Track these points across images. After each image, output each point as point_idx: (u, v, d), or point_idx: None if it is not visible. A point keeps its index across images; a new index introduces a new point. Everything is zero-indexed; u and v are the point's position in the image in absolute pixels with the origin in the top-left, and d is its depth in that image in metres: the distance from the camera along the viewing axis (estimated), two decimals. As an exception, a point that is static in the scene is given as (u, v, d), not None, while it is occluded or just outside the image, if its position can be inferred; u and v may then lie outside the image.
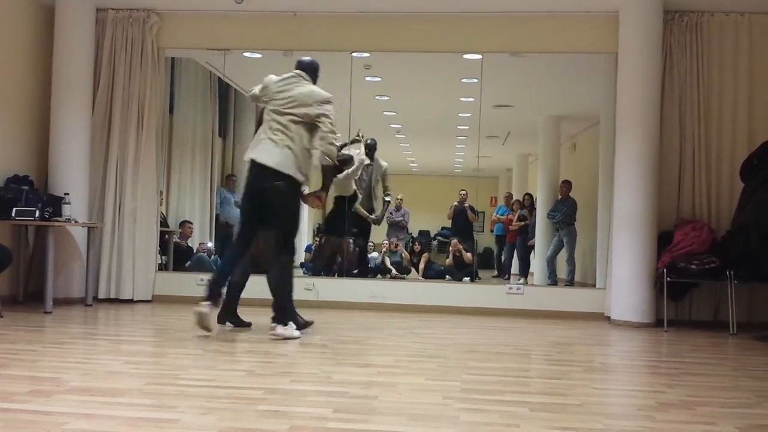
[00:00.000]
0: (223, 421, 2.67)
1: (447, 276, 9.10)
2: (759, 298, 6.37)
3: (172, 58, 7.78)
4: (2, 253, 5.59)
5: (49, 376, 3.39)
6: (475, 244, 10.02)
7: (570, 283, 8.78)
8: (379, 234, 9.73)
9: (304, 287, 6.76)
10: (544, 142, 10.28)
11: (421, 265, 9.52)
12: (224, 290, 4.88)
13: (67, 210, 6.19)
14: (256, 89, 4.97)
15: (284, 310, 4.75)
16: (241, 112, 9.64)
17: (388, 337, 5.21)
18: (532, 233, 9.80)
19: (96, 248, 6.71)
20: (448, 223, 10.35)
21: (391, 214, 9.78)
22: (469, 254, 9.42)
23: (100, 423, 2.59)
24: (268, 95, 4.86)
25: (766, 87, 6.53)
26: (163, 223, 7.85)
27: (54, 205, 6.19)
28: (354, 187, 8.30)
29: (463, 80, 8.34)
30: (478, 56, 7.24)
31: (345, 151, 8.05)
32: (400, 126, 11.26)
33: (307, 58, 5.04)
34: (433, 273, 9.42)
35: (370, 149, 8.44)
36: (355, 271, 8.39)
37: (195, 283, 6.50)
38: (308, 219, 10.70)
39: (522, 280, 9.32)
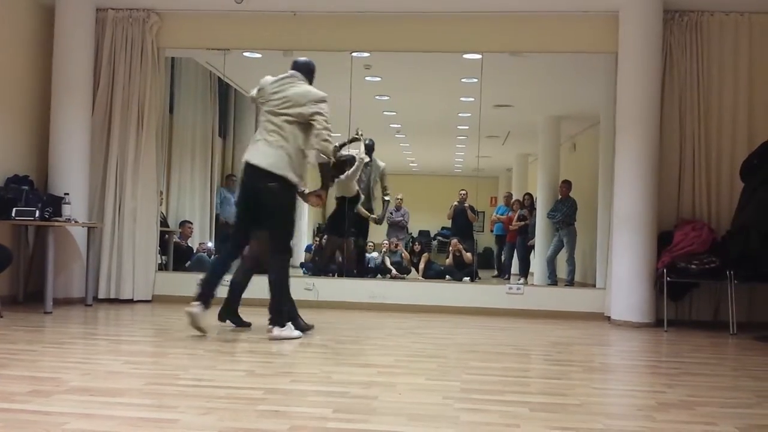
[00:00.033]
0: (223, 421, 2.67)
1: (447, 276, 9.10)
2: (759, 298, 6.36)
3: (172, 58, 7.78)
4: (2, 253, 5.59)
5: (49, 376, 3.39)
6: (475, 244, 10.01)
7: (570, 283, 8.78)
8: (379, 234, 9.73)
9: (304, 287, 6.76)
10: (544, 142, 10.28)
11: (421, 265, 9.52)
12: (216, 291, 4.81)
13: (67, 210, 6.19)
14: (254, 91, 4.98)
15: (280, 311, 4.74)
16: (241, 112, 9.64)
17: (388, 337, 5.21)
18: (532, 233, 9.80)
19: (96, 248, 6.71)
20: (448, 223, 10.35)
21: (391, 214, 9.78)
22: (469, 254, 9.42)
23: (100, 423, 2.59)
24: (264, 96, 4.85)
25: (766, 87, 6.53)
26: (163, 223, 7.85)
27: (54, 205, 6.19)
28: (357, 187, 8.30)
29: (463, 80, 8.34)
30: (478, 56, 7.24)
31: (345, 150, 8.07)
32: (400, 126, 11.26)
33: (302, 59, 5.02)
34: (433, 273, 9.42)
35: (368, 149, 8.45)
36: (354, 271, 8.39)
37: (195, 283, 6.39)
38: (308, 219, 10.71)
39: (522, 280, 9.32)
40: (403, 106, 10.31)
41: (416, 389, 3.39)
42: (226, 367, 3.79)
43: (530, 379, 3.90)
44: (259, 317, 5.14)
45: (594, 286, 7.15)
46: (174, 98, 8.50)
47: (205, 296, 4.72)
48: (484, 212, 11.17)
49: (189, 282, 6.75)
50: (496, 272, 10.85)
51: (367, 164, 8.41)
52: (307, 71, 4.95)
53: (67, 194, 6.28)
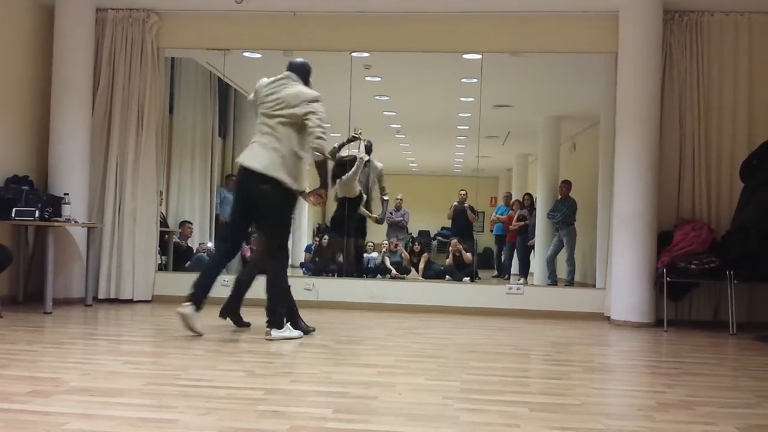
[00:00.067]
0: (223, 421, 2.67)
1: (447, 276, 9.10)
2: (759, 298, 6.37)
3: (172, 58, 7.78)
4: (2, 254, 5.59)
5: (49, 377, 3.39)
6: (475, 244, 10.02)
7: (570, 283, 8.78)
8: (378, 234, 9.73)
9: (304, 287, 6.76)
10: (543, 142, 10.28)
11: (421, 265, 9.52)
12: (209, 293, 4.77)
13: (66, 210, 6.19)
14: (251, 95, 4.98)
15: (276, 313, 4.73)
16: (241, 112, 9.64)
17: (388, 337, 5.21)
18: (531, 233, 9.80)
19: (96, 248, 6.71)
20: (448, 223, 10.35)
21: (391, 214, 9.78)
22: (468, 254, 9.42)
23: (99, 423, 2.59)
24: (259, 99, 4.85)
25: (766, 87, 6.53)
26: (163, 223, 7.85)
27: (54, 205, 6.19)
28: (359, 187, 8.30)
29: (463, 80, 8.34)
30: (478, 56, 7.24)
31: (344, 150, 8.08)
32: (399, 126, 11.26)
33: (299, 60, 4.99)
34: (432, 273, 9.43)
35: (367, 150, 8.46)
36: (354, 272, 8.39)
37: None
38: (308, 219, 10.71)
39: (522, 280, 9.32)
40: (403, 106, 10.31)
41: (416, 389, 3.39)
42: (225, 368, 3.79)
43: (530, 379, 3.90)
44: (260, 317, 5.14)
45: (594, 286, 7.15)
46: (174, 98, 8.50)
47: (198, 297, 4.70)
48: (483, 212, 11.17)
49: (189, 282, 6.72)
50: (495, 272, 10.85)
51: (365, 165, 8.41)
52: (302, 72, 4.91)
53: (67, 194, 6.28)
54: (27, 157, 6.66)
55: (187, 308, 4.66)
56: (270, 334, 4.70)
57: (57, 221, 6.09)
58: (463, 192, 9.93)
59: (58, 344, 4.44)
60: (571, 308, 6.73)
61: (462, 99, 8.94)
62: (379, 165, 8.70)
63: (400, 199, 9.96)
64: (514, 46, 6.95)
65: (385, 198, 8.91)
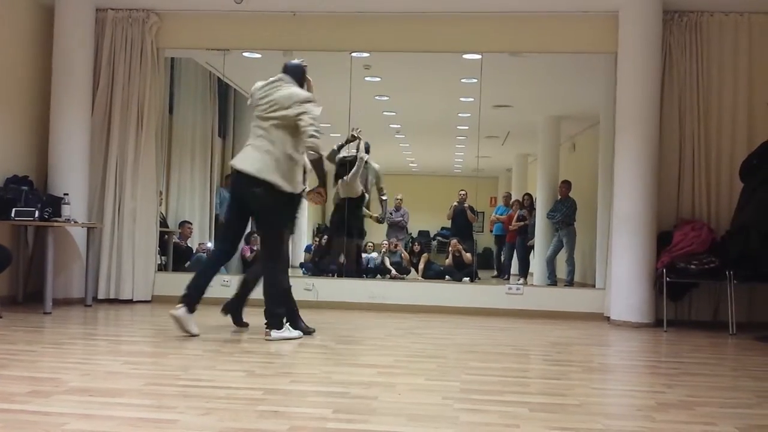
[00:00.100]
0: (222, 421, 2.67)
1: (446, 276, 9.10)
2: (759, 298, 6.37)
3: (172, 58, 7.78)
4: (2, 254, 5.59)
5: (49, 377, 3.39)
6: (475, 245, 10.02)
7: (569, 283, 8.78)
8: (378, 234, 9.73)
9: (304, 287, 6.76)
10: (543, 142, 10.28)
11: (421, 266, 9.52)
12: (203, 295, 4.76)
13: (66, 210, 6.19)
14: (249, 99, 4.98)
15: (274, 314, 4.73)
16: (240, 112, 9.64)
17: (388, 337, 5.21)
18: (531, 233, 9.80)
19: (95, 248, 6.71)
20: (448, 224, 10.35)
21: (391, 214, 9.79)
22: (468, 254, 9.42)
23: (99, 423, 2.59)
24: (253, 102, 4.85)
25: (765, 87, 6.53)
26: (163, 223, 7.85)
27: (53, 205, 6.19)
28: (361, 187, 8.30)
29: (462, 80, 8.34)
30: (478, 56, 7.24)
31: (344, 151, 8.08)
32: (399, 126, 11.25)
33: (294, 62, 4.96)
34: (432, 273, 9.43)
35: (366, 150, 8.45)
36: (353, 272, 8.39)
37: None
38: (308, 219, 10.71)
39: (521, 281, 9.32)
40: (402, 107, 10.31)
41: (416, 389, 3.39)
42: (225, 368, 3.79)
43: (530, 380, 3.90)
44: (259, 317, 5.13)
45: (593, 286, 7.15)
46: (174, 98, 8.49)
47: (190, 299, 4.70)
48: (483, 212, 11.17)
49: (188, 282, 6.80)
50: (495, 272, 10.85)
51: (364, 166, 8.41)
52: (297, 74, 4.89)
53: (67, 194, 6.28)
54: (27, 157, 6.66)
55: (180, 310, 4.66)
56: (269, 335, 4.70)
57: (57, 221, 6.09)
58: (463, 192, 9.93)
59: (57, 344, 4.44)
60: (570, 308, 6.73)
61: (462, 99, 8.94)
62: (376, 166, 8.70)
63: (400, 200, 9.96)
64: (514, 46, 6.95)
65: (384, 198, 8.93)
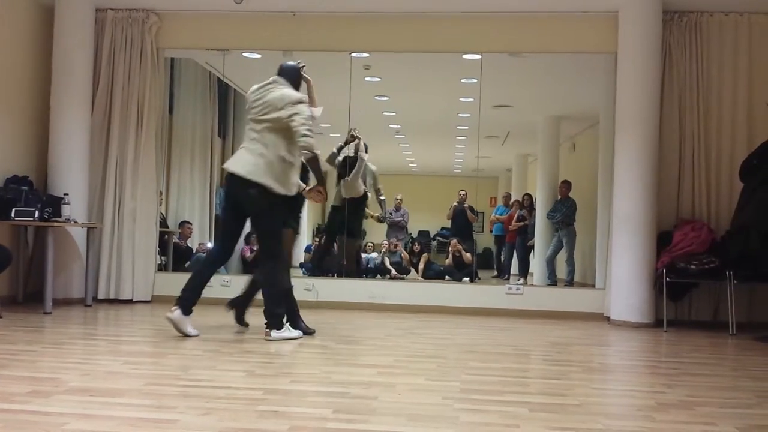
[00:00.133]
0: (222, 421, 2.67)
1: (446, 276, 9.10)
2: (759, 298, 6.37)
3: (172, 58, 7.77)
4: (2, 254, 5.59)
5: (49, 377, 3.39)
6: (475, 245, 10.02)
7: (569, 283, 8.78)
8: (378, 234, 9.73)
9: (304, 287, 6.76)
10: (543, 143, 10.28)
11: (421, 266, 9.52)
12: (199, 296, 4.77)
13: (66, 210, 6.19)
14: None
15: (274, 314, 4.73)
16: (240, 113, 9.63)
17: (388, 337, 5.21)
18: (531, 233, 9.80)
19: (95, 249, 6.71)
20: (448, 224, 10.35)
21: (391, 214, 9.79)
22: (468, 254, 9.42)
23: (99, 423, 2.59)
24: (248, 104, 4.85)
25: (765, 87, 6.53)
26: (163, 223, 7.84)
27: (53, 205, 6.19)
28: (363, 187, 8.30)
29: (462, 80, 8.34)
30: (478, 56, 7.24)
31: (344, 153, 8.07)
32: (399, 126, 11.25)
33: (289, 63, 4.95)
34: (432, 273, 9.43)
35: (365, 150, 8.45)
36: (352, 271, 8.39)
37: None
38: (308, 219, 10.71)
39: (521, 281, 9.32)
40: (402, 107, 10.31)
41: (416, 389, 3.39)
42: (225, 368, 3.79)
43: (530, 380, 3.90)
44: (260, 317, 5.13)
45: (593, 286, 7.15)
46: (173, 98, 8.49)
47: (187, 301, 4.71)
48: (483, 212, 11.17)
49: (188, 282, 6.80)
50: (495, 272, 10.85)
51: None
52: (292, 76, 4.87)
53: (67, 194, 6.28)
54: (27, 157, 6.66)
55: (175, 313, 4.67)
56: (269, 335, 4.70)
57: (56, 221, 6.09)
58: (463, 192, 9.93)
59: (57, 344, 4.44)
60: (570, 308, 6.73)
61: (462, 99, 8.94)
62: (373, 167, 8.70)
63: (400, 200, 9.96)
64: (513, 46, 6.95)
65: (382, 198, 8.94)
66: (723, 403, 3.32)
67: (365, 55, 7.59)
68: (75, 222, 6.32)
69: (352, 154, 8.10)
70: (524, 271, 9.87)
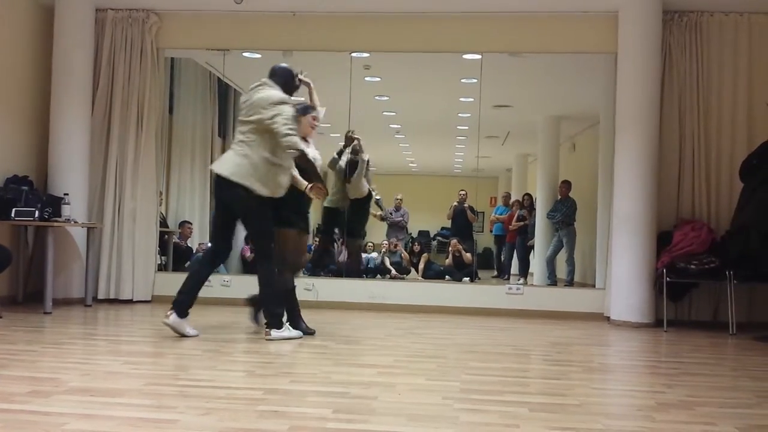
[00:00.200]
0: (222, 421, 2.67)
1: (446, 276, 9.10)
2: (758, 298, 6.37)
3: (172, 58, 7.78)
4: (2, 254, 5.59)
5: (49, 377, 3.39)
6: (475, 245, 10.02)
7: (569, 283, 8.78)
8: (378, 234, 9.73)
9: (304, 287, 6.75)
10: (543, 143, 10.28)
11: (421, 266, 9.52)
12: (194, 298, 4.76)
13: (66, 210, 6.19)
14: None
15: (273, 314, 4.73)
16: (240, 113, 9.63)
17: (388, 337, 5.21)
18: (531, 233, 9.80)
19: (95, 249, 6.71)
20: (448, 224, 10.35)
21: (391, 214, 9.79)
22: (468, 254, 9.42)
23: (99, 423, 2.59)
24: (240, 106, 4.84)
25: (765, 87, 6.53)
26: (163, 223, 7.84)
27: (53, 205, 6.19)
28: (367, 186, 8.31)
29: (462, 80, 8.34)
30: (478, 56, 7.24)
31: (345, 155, 8.07)
32: (399, 126, 11.25)
33: (282, 65, 4.93)
34: (432, 273, 9.43)
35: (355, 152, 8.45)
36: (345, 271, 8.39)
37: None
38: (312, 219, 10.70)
39: (521, 281, 9.32)
40: (402, 107, 10.31)
41: (416, 389, 3.39)
42: (225, 368, 3.79)
43: (530, 380, 3.90)
44: (261, 317, 5.14)
45: (593, 286, 7.15)
46: (173, 98, 8.49)
47: (183, 304, 4.70)
48: (483, 212, 11.18)
49: (188, 282, 6.79)
50: (495, 272, 10.85)
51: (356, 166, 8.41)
52: (283, 77, 4.84)
53: (67, 194, 6.28)
54: (27, 157, 6.66)
55: (171, 318, 4.67)
56: (269, 334, 4.70)
57: (57, 221, 6.09)
58: (463, 192, 9.93)
59: (57, 344, 4.44)
60: (570, 308, 6.73)
61: (462, 99, 8.95)
62: (372, 168, 8.70)
63: (400, 199, 9.96)
64: (513, 46, 6.95)
65: (378, 197, 8.96)
66: (723, 403, 3.32)
67: (365, 55, 7.59)
68: (75, 222, 6.32)
69: (350, 155, 8.10)
70: (524, 271, 9.87)
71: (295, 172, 4.84)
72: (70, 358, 3.93)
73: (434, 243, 12.24)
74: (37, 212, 5.96)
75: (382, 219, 9.31)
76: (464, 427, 2.71)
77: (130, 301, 6.78)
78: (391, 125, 11.08)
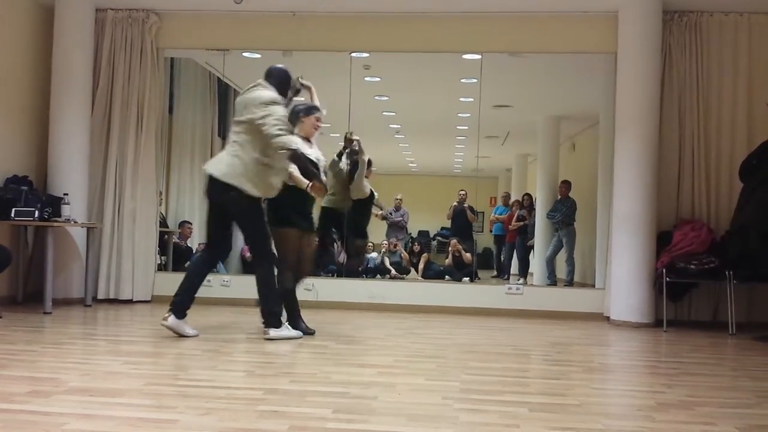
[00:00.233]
0: (222, 421, 2.67)
1: (446, 276, 9.10)
2: (758, 298, 6.37)
3: (172, 58, 7.77)
4: (2, 254, 5.59)
5: (49, 377, 3.39)
6: (475, 245, 10.01)
7: (569, 283, 8.78)
8: (378, 234, 9.72)
9: (304, 287, 6.73)
10: (543, 143, 10.28)
11: (421, 266, 9.52)
12: (191, 299, 4.76)
13: (66, 210, 6.19)
14: None
15: (271, 313, 4.73)
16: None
17: (388, 337, 5.21)
18: (531, 233, 9.80)
19: (95, 249, 6.71)
20: (448, 224, 10.34)
21: (391, 214, 9.78)
22: (468, 254, 9.42)
23: (99, 423, 2.59)
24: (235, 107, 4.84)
25: (765, 87, 6.53)
26: (163, 223, 7.84)
27: (53, 205, 6.19)
28: (369, 187, 8.31)
29: (462, 80, 8.34)
30: (478, 56, 7.24)
31: (344, 158, 8.07)
32: (399, 126, 11.25)
33: (278, 66, 4.90)
34: (432, 273, 9.42)
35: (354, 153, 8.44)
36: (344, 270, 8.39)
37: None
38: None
39: (521, 281, 9.32)
40: (402, 107, 10.31)
41: (416, 389, 3.39)
42: (225, 368, 3.80)
43: (529, 380, 3.90)
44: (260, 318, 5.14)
45: (593, 286, 7.15)
46: (173, 98, 8.49)
47: (179, 306, 4.70)
48: (483, 212, 11.18)
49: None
50: (495, 272, 10.84)
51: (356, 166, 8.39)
52: (278, 78, 4.82)
53: (67, 194, 6.28)
54: (26, 157, 6.66)
55: (169, 320, 4.67)
56: (269, 333, 4.70)
57: (56, 221, 6.09)
58: (463, 192, 9.93)
59: (57, 344, 4.44)
60: (570, 308, 6.73)
61: (461, 99, 8.94)
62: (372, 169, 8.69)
63: (400, 200, 9.96)
64: (513, 46, 6.95)
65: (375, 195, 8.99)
66: (723, 403, 3.32)
67: (365, 55, 7.59)
68: (75, 222, 6.32)
69: (352, 156, 8.09)
70: (524, 271, 9.87)
71: (296, 172, 4.83)
72: (70, 358, 3.93)
73: (434, 243, 12.23)
74: (36, 212, 5.96)
75: (384, 218, 9.30)
76: (464, 427, 2.71)
77: (129, 301, 6.78)
78: (390, 125, 11.08)
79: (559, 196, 9.13)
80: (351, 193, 8.21)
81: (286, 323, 4.84)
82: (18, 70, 6.56)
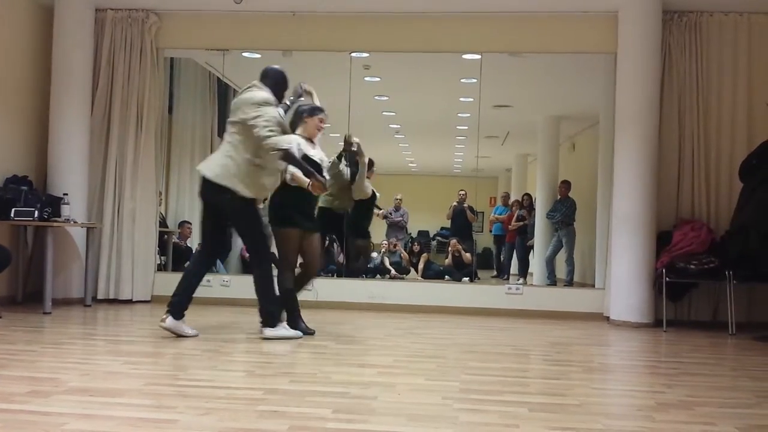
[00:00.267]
0: (222, 421, 2.67)
1: (446, 276, 9.10)
2: (758, 298, 6.37)
3: (171, 58, 7.77)
4: (1, 254, 5.59)
5: (48, 377, 3.39)
6: (474, 245, 10.02)
7: (569, 283, 8.78)
8: (378, 234, 9.72)
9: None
10: (543, 143, 10.29)
11: (421, 266, 9.52)
12: (189, 300, 4.76)
13: (66, 210, 6.19)
14: None
15: (269, 313, 4.74)
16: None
17: (388, 337, 5.21)
18: (531, 233, 9.81)
19: (95, 249, 6.71)
20: (448, 224, 10.35)
21: (390, 214, 9.78)
22: (468, 254, 9.42)
23: (99, 423, 2.59)
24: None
25: (765, 87, 6.53)
26: (162, 223, 7.84)
27: (53, 205, 6.19)
28: (371, 187, 8.30)
29: (462, 80, 8.34)
30: (478, 56, 7.24)
31: (344, 160, 8.05)
32: (399, 126, 11.26)
33: (274, 67, 4.90)
34: (432, 273, 9.42)
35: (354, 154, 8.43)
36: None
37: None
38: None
39: (521, 281, 9.33)
40: (402, 107, 10.31)
41: (415, 389, 3.39)
42: (225, 368, 3.79)
43: (529, 380, 3.90)
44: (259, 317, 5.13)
45: (593, 286, 7.15)
46: (173, 98, 8.48)
47: (178, 306, 4.71)
48: (483, 212, 11.18)
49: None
50: (495, 272, 10.85)
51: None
52: (274, 78, 4.82)
53: (66, 194, 6.28)
54: (26, 157, 6.66)
55: (167, 321, 4.67)
56: (264, 332, 4.71)
57: (56, 221, 6.09)
58: (463, 192, 9.93)
59: (57, 344, 4.44)
60: (570, 308, 6.72)
61: (461, 99, 8.94)
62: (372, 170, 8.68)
63: (400, 200, 9.96)
64: (513, 46, 6.95)
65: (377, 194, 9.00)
66: (722, 403, 3.32)
67: (365, 55, 7.59)
68: (74, 222, 6.31)
69: (346, 157, 8.09)
70: (524, 271, 9.87)
71: (297, 172, 4.82)
72: (70, 358, 3.93)
73: (434, 243, 12.24)
74: (36, 212, 5.96)
75: (385, 217, 9.30)
76: (464, 427, 2.71)
77: (129, 301, 6.78)
78: (390, 125, 11.08)
79: (559, 196, 9.14)
80: (353, 194, 8.20)
81: (284, 323, 4.83)
82: (18, 70, 6.56)
